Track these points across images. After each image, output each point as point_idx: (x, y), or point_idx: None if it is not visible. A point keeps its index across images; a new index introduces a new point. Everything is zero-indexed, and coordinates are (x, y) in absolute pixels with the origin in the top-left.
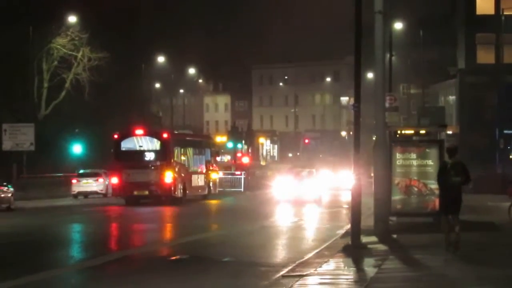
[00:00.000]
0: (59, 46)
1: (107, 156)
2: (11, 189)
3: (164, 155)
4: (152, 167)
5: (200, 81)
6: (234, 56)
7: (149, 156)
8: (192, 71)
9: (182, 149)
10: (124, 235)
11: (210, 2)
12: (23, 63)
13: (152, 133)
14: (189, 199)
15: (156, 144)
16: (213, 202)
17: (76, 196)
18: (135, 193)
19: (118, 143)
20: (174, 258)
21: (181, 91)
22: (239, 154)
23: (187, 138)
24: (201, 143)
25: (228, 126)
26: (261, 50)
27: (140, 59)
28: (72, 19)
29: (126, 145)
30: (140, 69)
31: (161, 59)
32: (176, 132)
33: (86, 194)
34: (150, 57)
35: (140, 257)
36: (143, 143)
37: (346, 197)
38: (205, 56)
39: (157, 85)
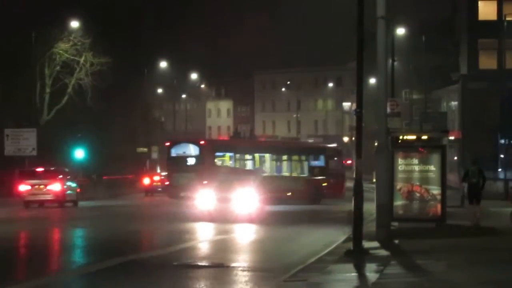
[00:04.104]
0: (61, 51)
1: (110, 161)
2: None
3: (202, 159)
4: (192, 171)
5: (203, 86)
6: (237, 61)
7: (191, 161)
8: (194, 76)
9: (238, 155)
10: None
11: (213, 8)
12: (26, 68)
13: (192, 140)
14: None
15: (196, 150)
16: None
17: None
18: (181, 195)
19: (169, 149)
20: (175, 263)
21: (184, 96)
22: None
23: (245, 145)
24: (296, 150)
25: (230, 131)
26: (263, 56)
27: (143, 64)
28: (74, 24)
29: (175, 151)
30: (143, 74)
31: (163, 64)
32: (218, 139)
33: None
34: (153, 62)
35: (147, 262)
36: (186, 149)
37: None
38: (207, 61)
39: (160, 90)
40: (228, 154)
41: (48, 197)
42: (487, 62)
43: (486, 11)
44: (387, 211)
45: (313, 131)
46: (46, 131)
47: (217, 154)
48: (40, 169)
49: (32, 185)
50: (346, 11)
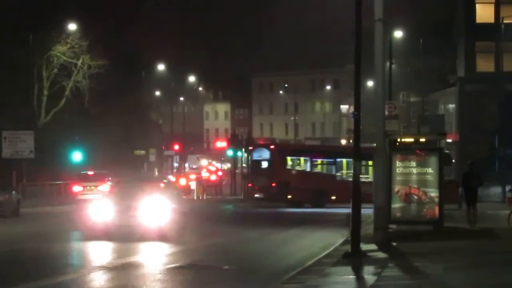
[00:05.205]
0: (59, 54)
1: (107, 164)
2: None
3: (271, 163)
4: (265, 174)
5: (200, 89)
6: (234, 64)
7: (264, 165)
8: (192, 79)
9: (314, 159)
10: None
11: (211, 10)
12: (23, 70)
13: (265, 145)
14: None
15: (268, 154)
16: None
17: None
18: (256, 195)
19: (251, 153)
20: (173, 266)
21: (181, 99)
22: None
23: (322, 149)
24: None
25: (228, 134)
26: (261, 58)
27: (140, 67)
28: (72, 26)
29: (256, 155)
30: (140, 77)
31: (161, 67)
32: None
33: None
34: (150, 65)
35: (148, 264)
36: (261, 153)
37: None
38: (205, 64)
39: (157, 93)
40: (302, 158)
41: (98, 196)
42: (484, 64)
43: (484, 13)
44: (385, 214)
45: (311, 134)
46: (43, 134)
47: (289, 158)
48: (90, 172)
49: (84, 186)
50: (344, 14)
